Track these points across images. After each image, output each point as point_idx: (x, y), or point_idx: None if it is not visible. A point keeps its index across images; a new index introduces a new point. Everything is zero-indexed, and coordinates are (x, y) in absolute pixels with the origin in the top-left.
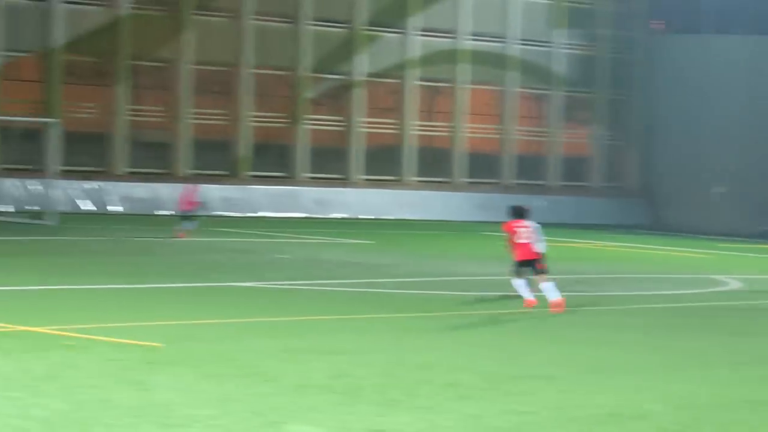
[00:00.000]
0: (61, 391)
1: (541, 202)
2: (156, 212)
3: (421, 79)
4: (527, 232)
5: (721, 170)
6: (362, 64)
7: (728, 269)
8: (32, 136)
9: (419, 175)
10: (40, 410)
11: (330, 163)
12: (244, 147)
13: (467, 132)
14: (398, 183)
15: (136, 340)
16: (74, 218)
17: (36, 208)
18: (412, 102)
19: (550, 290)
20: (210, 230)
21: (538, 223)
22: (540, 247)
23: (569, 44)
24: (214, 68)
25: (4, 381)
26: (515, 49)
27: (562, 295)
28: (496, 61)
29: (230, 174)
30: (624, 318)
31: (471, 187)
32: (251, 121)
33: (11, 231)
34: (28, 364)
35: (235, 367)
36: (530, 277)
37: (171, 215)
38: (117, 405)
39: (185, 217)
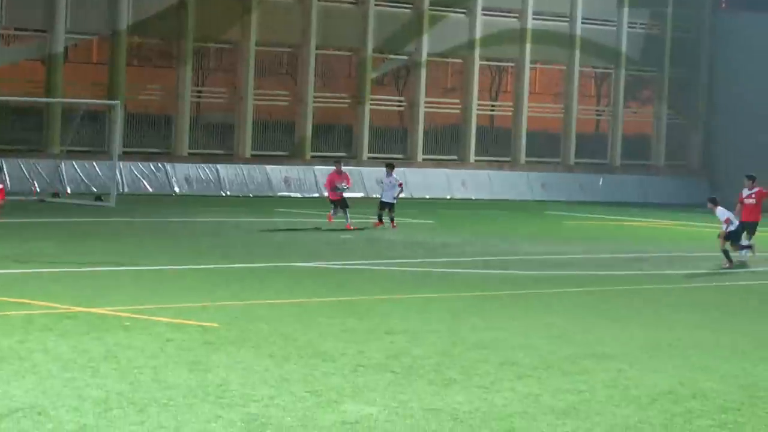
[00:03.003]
0: (118, 372)
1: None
2: (220, 193)
3: (485, 59)
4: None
5: None
6: (426, 45)
7: None
8: (96, 118)
9: (481, 155)
10: (97, 391)
11: (392, 143)
12: (307, 128)
13: (530, 111)
14: (460, 163)
15: (194, 320)
16: (136, 200)
17: (98, 190)
18: (476, 82)
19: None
20: (272, 211)
21: (597, 201)
22: None
23: (634, 23)
24: (278, 49)
25: (62, 362)
26: (579, 27)
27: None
28: (561, 41)
29: (293, 155)
30: (682, 297)
31: (533, 166)
32: (315, 101)
33: (72, 213)
34: (85, 345)
35: (293, 347)
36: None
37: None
38: (174, 385)
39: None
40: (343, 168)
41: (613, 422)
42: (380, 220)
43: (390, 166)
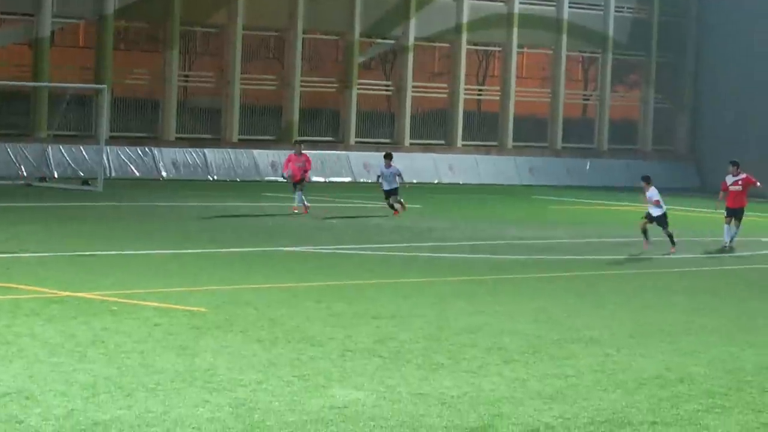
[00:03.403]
0: (106, 357)
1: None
2: (207, 178)
3: (473, 43)
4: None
5: None
6: (414, 29)
7: None
8: (83, 102)
9: (469, 140)
10: (84, 375)
11: (380, 128)
12: (294, 112)
13: (517, 96)
14: (448, 147)
15: (181, 305)
16: (123, 184)
17: (85, 174)
18: (463, 66)
19: None
20: (258, 195)
21: (584, 185)
22: None
23: (621, 7)
24: (265, 33)
25: (49, 347)
26: (567, 12)
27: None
28: (548, 25)
29: (280, 139)
30: (669, 281)
31: (521, 150)
32: (301, 86)
33: (59, 197)
34: (73, 330)
35: (280, 332)
36: None
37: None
38: (161, 370)
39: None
40: (304, 151)
41: (600, 407)
42: (394, 208)
43: (388, 156)
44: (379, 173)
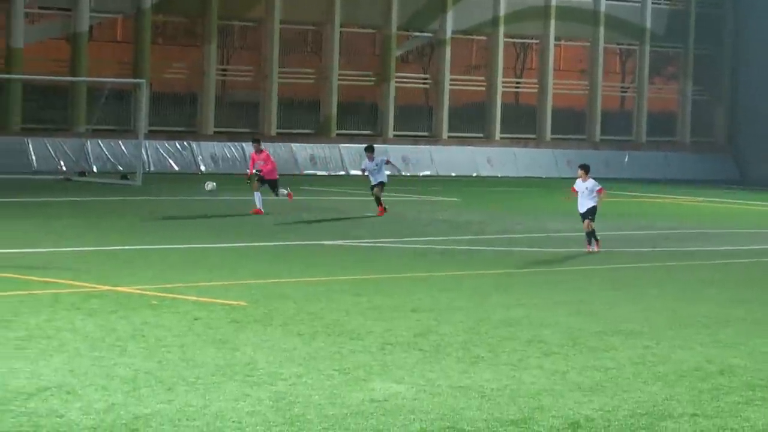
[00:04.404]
0: (146, 351)
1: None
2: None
3: (510, 36)
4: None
5: None
6: (451, 22)
7: None
8: (122, 96)
9: (506, 132)
10: (125, 369)
11: (417, 121)
12: (332, 106)
13: (555, 88)
14: (486, 140)
15: (221, 299)
16: (161, 178)
17: (124, 168)
18: (501, 59)
19: None
20: (298, 189)
21: (623, 177)
22: None
23: None
24: (302, 27)
25: (90, 341)
26: (604, 4)
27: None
28: (585, 17)
29: (318, 132)
30: (709, 273)
31: (558, 143)
32: (339, 79)
33: (98, 191)
34: (113, 324)
35: (320, 326)
36: None
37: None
38: (201, 364)
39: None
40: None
41: (641, 399)
42: (379, 203)
43: (370, 149)
44: (362, 167)
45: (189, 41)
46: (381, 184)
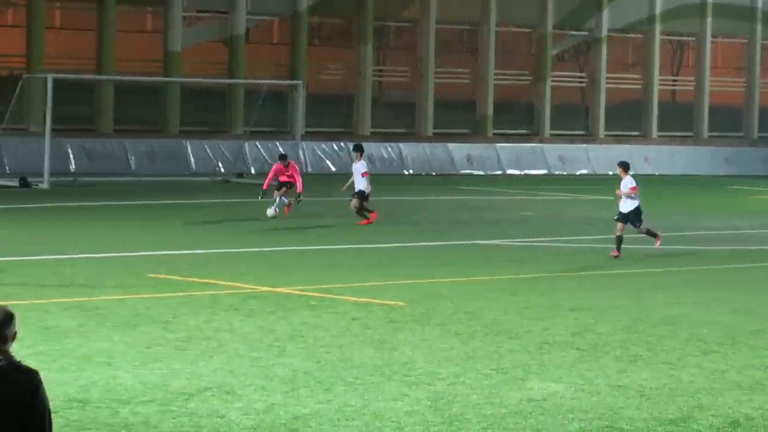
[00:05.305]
0: (305, 351)
1: None
2: (402, 172)
3: (666, 34)
4: None
5: None
6: (606, 20)
7: None
8: (279, 98)
9: (664, 130)
10: (283, 370)
11: (573, 120)
12: (488, 105)
13: (712, 86)
14: (643, 138)
15: (379, 299)
16: (318, 179)
17: None
18: (657, 57)
19: None
20: (454, 188)
21: None
22: None
23: None
24: (458, 27)
25: (249, 342)
26: (761, 0)
27: None
28: (742, 14)
29: (475, 132)
30: None
31: (716, 141)
32: (495, 79)
33: (255, 193)
34: (272, 325)
35: (478, 325)
36: None
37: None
38: (359, 364)
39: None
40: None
41: None
42: (362, 215)
43: (358, 148)
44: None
45: (345, 42)
46: (360, 194)
